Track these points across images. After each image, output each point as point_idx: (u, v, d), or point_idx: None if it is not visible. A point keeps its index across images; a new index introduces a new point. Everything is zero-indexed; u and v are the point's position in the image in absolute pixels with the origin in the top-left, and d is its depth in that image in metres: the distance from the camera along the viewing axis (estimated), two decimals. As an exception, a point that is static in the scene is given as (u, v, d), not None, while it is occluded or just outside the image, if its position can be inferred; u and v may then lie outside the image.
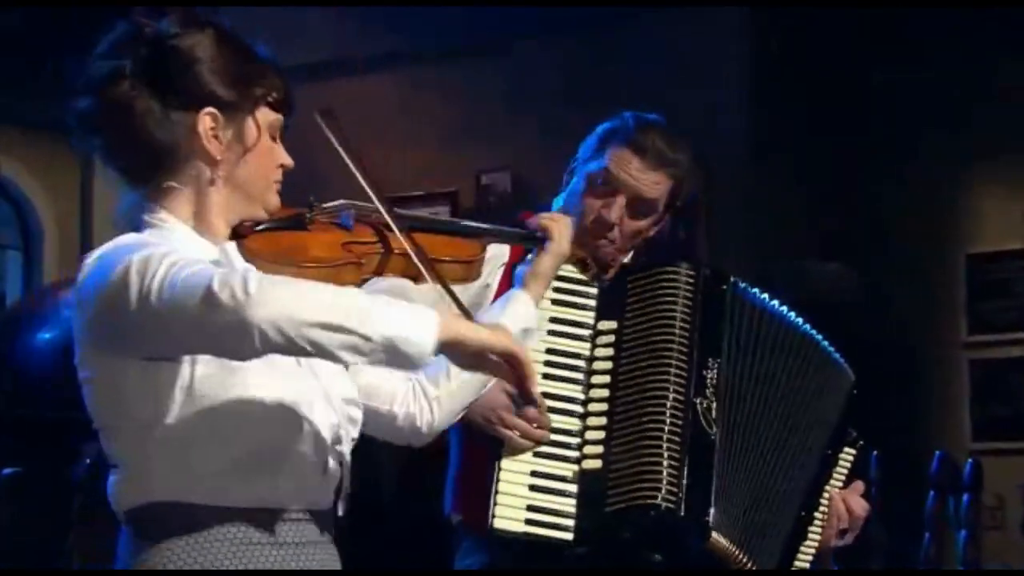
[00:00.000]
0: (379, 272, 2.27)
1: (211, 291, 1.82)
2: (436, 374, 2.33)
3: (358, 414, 2.19)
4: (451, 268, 2.34)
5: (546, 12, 6.01)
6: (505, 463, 2.71)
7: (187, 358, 1.97)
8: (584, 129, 2.98)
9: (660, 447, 2.68)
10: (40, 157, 7.36)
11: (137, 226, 2.07)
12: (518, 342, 2.04)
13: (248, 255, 2.09)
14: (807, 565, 2.88)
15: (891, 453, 4.33)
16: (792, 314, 2.90)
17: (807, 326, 2.91)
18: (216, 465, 1.99)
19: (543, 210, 2.88)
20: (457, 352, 1.97)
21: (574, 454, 2.72)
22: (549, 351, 2.76)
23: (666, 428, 2.69)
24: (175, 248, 1.96)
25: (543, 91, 6.14)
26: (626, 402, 2.73)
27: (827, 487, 2.92)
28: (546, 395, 2.70)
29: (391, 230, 2.27)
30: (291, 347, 1.86)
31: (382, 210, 2.25)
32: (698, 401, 2.73)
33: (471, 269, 2.41)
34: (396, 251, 2.27)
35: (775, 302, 2.89)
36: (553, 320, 2.76)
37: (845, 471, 2.96)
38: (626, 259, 2.95)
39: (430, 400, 2.35)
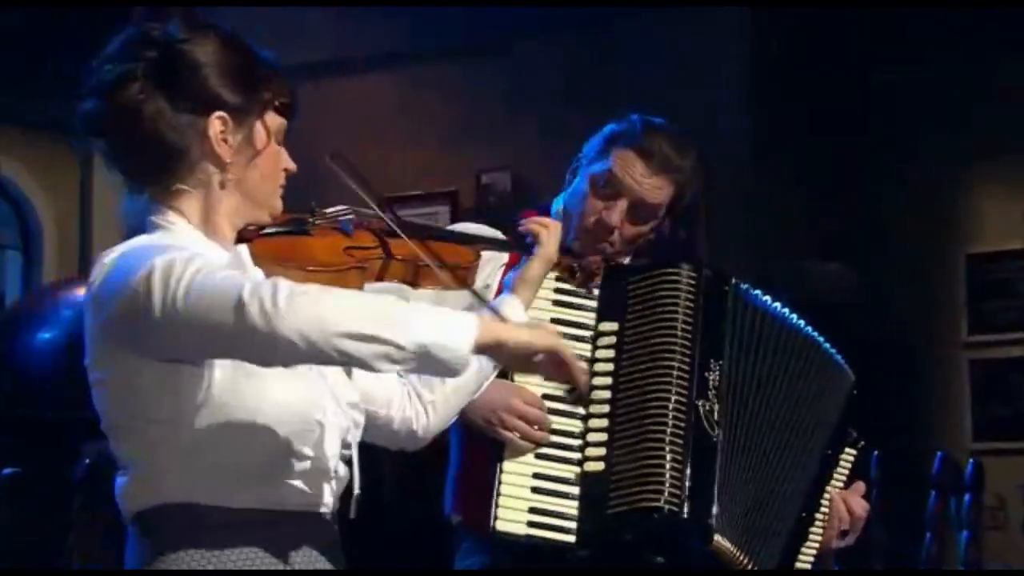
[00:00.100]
0: (379, 277, 2.28)
1: (242, 301, 1.82)
2: (430, 378, 2.32)
3: (361, 418, 2.18)
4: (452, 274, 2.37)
5: (546, 12, 6.01)
6: (507, 465, 2.71)
7: (206, 361, 1.97)
8: (584, 129, 2.98)
9: (663, 449, 2.68)
10: (40, 157, 7.35)
11: (143, 227, 2.07)
12: (558, 337, 2.03)
13: (255, 259, 2.09)
14: (808, 566, 2.88)
15: (892, 453, 4.31)
16: (793, 316, 2.90)
17: (808, 328, 2.91)
18: (229, 467, 1.98)
19: (544, 210, 2.89)
20: (499, 354, 1.97)
21: (576, 456, 2.72)
22: (550, 352, 2.76)
23: (668, 430, 2.68)
24: (197, 252, 1.95)
25: (543, 91, 6.13)
26: (628, 404, 2.72)
27: (828, 488, 2.92)
28: (547, 397, 2.71)
29: (391, 235, 2.28)
30: (320, 357, 1.86)
31: (396, 228, 2.27)
32: (700, 403, 2.72)
33: (468, 275, 2.44)
34: (396, 256, 2.29)
35: (776, 303, 2.89)
36: (554, 321, 2.75)
37: (846, 472, 2.96)
38: (626, 259, 2.95)
39: (425, 404, 2.34)
